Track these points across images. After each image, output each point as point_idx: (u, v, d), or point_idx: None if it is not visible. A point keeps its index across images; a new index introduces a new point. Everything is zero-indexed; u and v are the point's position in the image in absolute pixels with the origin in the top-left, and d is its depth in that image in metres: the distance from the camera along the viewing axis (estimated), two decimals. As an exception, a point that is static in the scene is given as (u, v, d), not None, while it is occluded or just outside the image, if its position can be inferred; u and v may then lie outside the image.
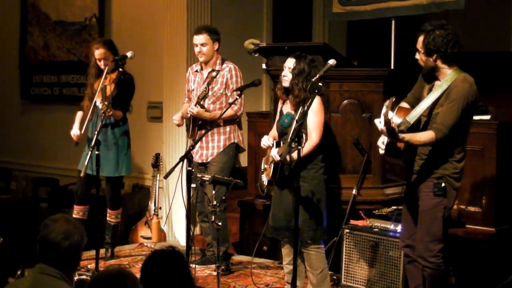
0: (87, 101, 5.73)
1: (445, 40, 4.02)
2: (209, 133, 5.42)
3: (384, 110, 3.84)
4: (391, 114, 3.91)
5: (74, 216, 5.84)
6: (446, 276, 4.24)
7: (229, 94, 5.47)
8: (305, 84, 4.50)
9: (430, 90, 4.17)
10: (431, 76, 4.18)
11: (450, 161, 4.12)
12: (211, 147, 5.51)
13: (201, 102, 5.42)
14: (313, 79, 4.35)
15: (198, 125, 5.48)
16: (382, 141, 4.21)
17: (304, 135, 4.04)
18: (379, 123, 3.95)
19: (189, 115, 5.48)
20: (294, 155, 4.15)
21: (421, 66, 4.20)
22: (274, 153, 4.54)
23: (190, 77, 5.71)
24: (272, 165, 4.60)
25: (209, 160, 5.52)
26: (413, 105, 4.20)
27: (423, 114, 4.10)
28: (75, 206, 5.89)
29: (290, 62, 4.62)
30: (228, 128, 5.48)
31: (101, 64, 5.72)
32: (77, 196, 5.85)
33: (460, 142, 4.14)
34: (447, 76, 4.07)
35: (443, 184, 4.08)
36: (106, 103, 5.41)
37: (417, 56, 4.16)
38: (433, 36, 4.03)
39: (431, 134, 3.98)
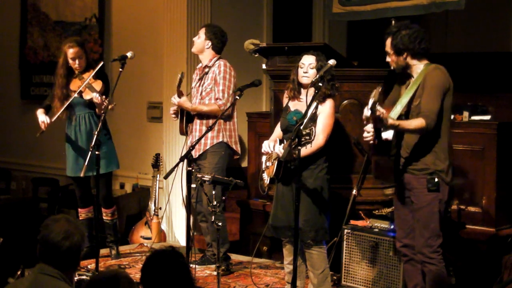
0: (57, 101, 5.67)
1: (412, 38, 4.16)
2: (198, 128, 5.50)
3: (371, 102, 3.88)
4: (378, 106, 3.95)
5: (81, 218, 5.85)
6: (446, 272, 4.25)
7: (215, 89, 5.49)
8: (329, 77, 4.54)
9: (407, 87, 4.24)
10: (405, 75, 4.28)
11: (438, 153, 4.16)
12: (198, 143, 5.49)
13: (179, 89, 5.51)
14: (313, 79, 4.37)
15: (186, 119, 5.56)
16: (370, 127, 4.18)
17: (313, 128, 4.08)
18: (367, 110, 3.97)
19: (178, 111, 5.58)
20: (301, 150, 4.16)
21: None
22: (279, 149, 4.54)
23: (193, 76, 5.79)
24: (276, 163, 4.59)
25: (197, 155, 5.50)
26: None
27: (402, 112, 4.14)
28: (80, 210, 5.90)
29: (310, 59, 4.62)
30: (216, 127, 5.45)
31: (75, 63, 5.67)
32: (81, 200, 5.85)
33: (443, 134, 4.17)
34: (420, 70, 4.18)
35: (436, 179, 4.12)
36: (104, 97, 5.40)
37: (388, 59, 4.28)
38: (400, 36, 4.17)
39: (420, 120, 4.03)
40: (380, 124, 3.98)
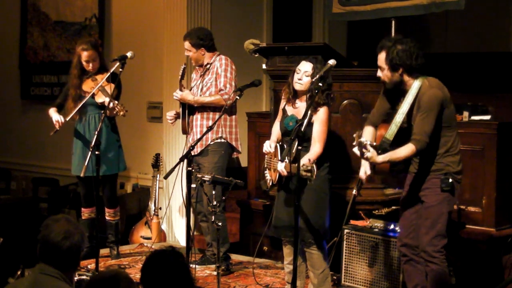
0: (70, 101, 5.70)
1: (409, 53, 4.09)
2: (199, 124, 5.50)
3: (356, 145, 3.92)
4: (364, 139, 3.98)
5: (84, 218, 5.87)
6: (448, 273, 4.26)
7: (218, 81, 5.49)
8: (325, 87, 4.49)
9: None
10: (397, 91, 4.23)
11: (452, 156, 4.19)
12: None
13: (181, 83, 5.52)
14: (313, 79, 4.36)
15: (187, 116, 5.56)
16: (364, 171, 4.29)
17: (314, 166, 4.14)
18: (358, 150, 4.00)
19: (180, 109, 5.57)
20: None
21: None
22: (281, 168, 4.53)
23: (192, 75, 5.77)
24: (278, 174, 4.60)
25: (198, 151, 5.49)
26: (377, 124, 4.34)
27: (403, 123, 4.14)
28: (83, 209, 5.91)
29: (306, 66, 4.59)
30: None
31: (89, 65, 5.72)
32: (85, 200, 5.86)
33: (451, 135, 4.19)
34: (414, 85, 4.14)
35: (450, 180, 4.14)
36: (116, 103, 5.44)
37: (379, 73, 4.22)
38: (396, 51, 4.09)
39: (411, 147, 4.04)
40: (374, 163, 4.07)
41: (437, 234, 4.17)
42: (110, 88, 5.57)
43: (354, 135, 3.93)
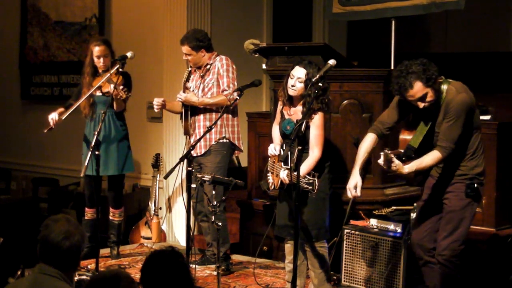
0: (85, 100, 5.71)
1: (428, 65, 3.99)
2: (202, 125, 5.49)
3: (388, 164, 3.89)
4: (388, 152, 3.94)
5: (87, 218, 5.87)
6: (458, 279, 4.25)
7: (220, 81, 5.49)
8: (319, 93, 4.47)
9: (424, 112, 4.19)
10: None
11: (476, 160, 4.18)
12: (202, 139, 5.45)
13: (185, 85, 5.53)
14: (314, 79, 4.36)
15: (189, 117, 5.54)
16: (353, 185, 4.24)
17: (316, 180, 4.17)
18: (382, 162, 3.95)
19: (182, 110, 5.56)
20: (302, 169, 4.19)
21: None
22: (284, 176, 4.53)
23: (190, 75, 5.74)
24: (280, 180, 4.60)
25: (202, 152, 5.49)
26: (389, 130, 4.28)
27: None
28: (87, 209, 5.91)
29: (300, 72, 4.57)
30: (219, 122, 5.43)
31: (100, 61, 5.72)
32: (89, 199, 5.86)
33: (477, 136, 4.20)
34: (443, 89, 4.11)
35: (475, 185, 4.13)
36: (121, 87, 5.44)
37: (421, 105, 4.04)
38: (422, 70, 3.96)
39: (437, 155, 4.03)
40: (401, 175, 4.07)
41: (457, 239, 4.17)
42: (117, 79, 5.56)
43: (383, 153, 3.86)
